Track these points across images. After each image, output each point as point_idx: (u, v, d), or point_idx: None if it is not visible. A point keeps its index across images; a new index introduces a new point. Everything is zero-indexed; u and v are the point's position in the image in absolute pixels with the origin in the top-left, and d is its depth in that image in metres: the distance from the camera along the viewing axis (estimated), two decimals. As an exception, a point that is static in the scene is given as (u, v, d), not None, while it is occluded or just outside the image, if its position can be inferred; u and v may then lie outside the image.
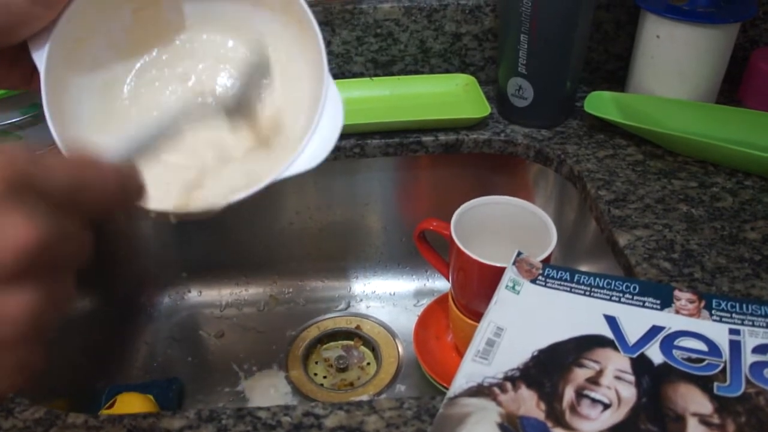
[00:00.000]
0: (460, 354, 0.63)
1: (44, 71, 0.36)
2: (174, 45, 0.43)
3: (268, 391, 0.69)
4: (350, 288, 0.80)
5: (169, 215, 0.36)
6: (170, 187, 0.38)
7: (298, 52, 0.42)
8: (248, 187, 0.36)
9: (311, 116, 0.39)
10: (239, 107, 0.40)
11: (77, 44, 0.39)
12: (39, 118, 0.62)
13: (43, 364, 0.23)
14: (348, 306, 0.78)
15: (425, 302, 0.77)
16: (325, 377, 0.70)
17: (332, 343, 0.74)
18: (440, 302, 0.68)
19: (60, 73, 0.37)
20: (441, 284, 0.80)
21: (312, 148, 0.38)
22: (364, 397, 0.68)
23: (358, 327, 0.75)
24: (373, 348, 0.73)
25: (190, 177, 0.39)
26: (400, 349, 0.73)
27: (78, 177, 0.25)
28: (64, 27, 0.37)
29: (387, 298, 0.79)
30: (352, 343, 0.74)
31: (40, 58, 0.36)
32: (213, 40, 0.44)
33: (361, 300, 0.79)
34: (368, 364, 0.72)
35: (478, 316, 0.55)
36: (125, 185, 0.27)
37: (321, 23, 0.66)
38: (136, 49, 0.42)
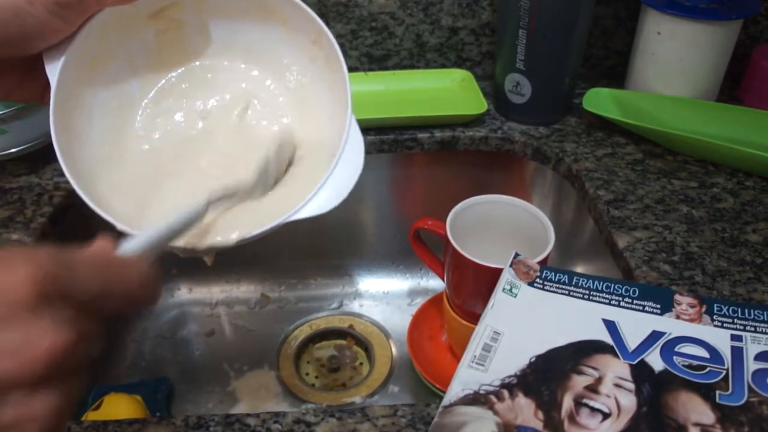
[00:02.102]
0: (454, 355, 0.62)
1: (56, 85, 0.35)
2: (195, 72, 0.42)
3: (258, 392, 0.67)
4: (343, 286, 0.79)
5: (195, 252, 0.36)
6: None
7: (323, 89, 0.41)
8: (258, 226, 0.35)
9: (330, 156, 0.37)
10: (260, 187, 0.39)
11: (94, 61, 0.37)
12: (23, 112, 0.60)
13: None
14: (341, 305, 0.77)
15: (419, 301, 0.76)
16: (316, 377, 0.69)
17: (324, 343, 0.73)
18: (434, 302, 0.67)
19: (73, 89, 0.36)
20: (435, 283, 0.78)
21: (327, 191, 0.36)
22: (357, 398, 0.67)
23: (350, 326, 0.74)
24: (366, 348, 0.72)
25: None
26: (393, 349, 0.72)
27: (105, 281, 0.26)
28: (82, 43, 0.36)
29: (380, 297, 0.78)
30: (344, 342, 0.73)
31: (54, 71, 0.35)
32: (236, 68, 0.42)
33: (354, 299, 0.78)
34: (361, 364, 0.71)
35: (472, 317, 0.54)
36: (145, 286, 0.28)
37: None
38: (156, 71, 0.41)
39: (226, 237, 0.36)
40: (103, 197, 0.36)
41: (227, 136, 0.40)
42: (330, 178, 0.36)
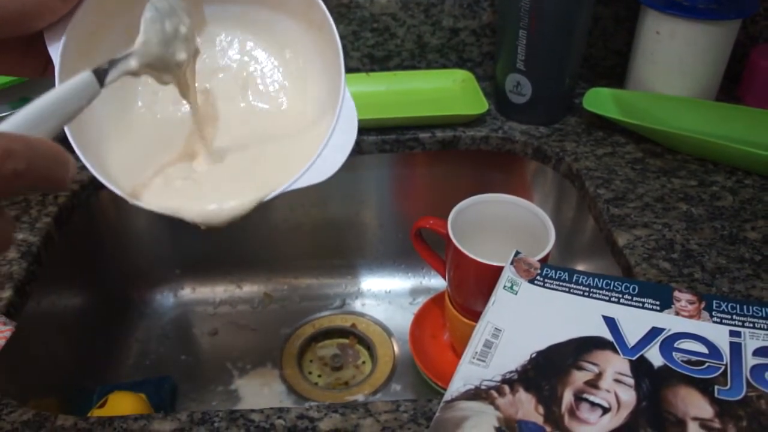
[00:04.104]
0: (456, 353, 0.63)
1: (59, 65, 0.34)
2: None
3: (262, 390, 0.68)
4: (345, 286, 0.79)
5: (212, 223, 0.36)
6: (175, 194, 0.37)
7: (317, 60, 0.41)
8: (255, 198, 0.36)
9: (325, 127, 0.38)
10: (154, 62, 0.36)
11: (93, 38, 0.37)
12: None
13: None
14: (343, 304, 0.78)
15: (421, 300, 0.77)
16: (319, 376, 0.70)
17: (327, 342, 0.74)
18: (436, 301, 0.67)
19: (76, 67, 0.36)
20: (437, 282, 0.79)
21: (322, 161, 0.37)
22: (359, 397, 0.67)
23: (353, 325, 0.75)
24: (369, 346, 0.72)
25: (193, 185, 0.38)
26: (395, 348, 0.72)
27: None
28: (81, 20, 0.35)
29: (383, 296, 0.78)
30: (347, 341, 0.74)
31: (56, 52, 0.35)
32: (231, 42, 0.43)
33: (357, 298, 0.78)
34: (363, 362, 0.71)
35: (474, 315, 0.54)
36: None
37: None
38: None
39: (243, 200, 0.36)
40: (111, 171, 0.37)
41: (226, 111, 0.41)
42: (326, 145, 0.37)
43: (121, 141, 0.39)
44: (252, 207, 0.36)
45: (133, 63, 0.34)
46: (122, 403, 0.57)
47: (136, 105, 0.41)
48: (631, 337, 0.43)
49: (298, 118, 0.42)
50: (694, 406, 0.38)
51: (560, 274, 0.47)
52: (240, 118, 0.42)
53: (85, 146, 0.36)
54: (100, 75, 0.32)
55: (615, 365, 0.41)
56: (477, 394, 0.39)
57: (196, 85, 0.42)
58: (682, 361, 0.41)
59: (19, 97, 0.63)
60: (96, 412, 0.56)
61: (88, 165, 0.35)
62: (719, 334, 0.43)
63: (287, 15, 0.41)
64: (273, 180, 0.37)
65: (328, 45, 0.39)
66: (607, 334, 0.43)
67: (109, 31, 0.39)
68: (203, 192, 0.38)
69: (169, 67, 0.36)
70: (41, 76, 0.38)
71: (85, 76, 0.31)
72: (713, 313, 0.44)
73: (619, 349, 0.42)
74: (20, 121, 0.27)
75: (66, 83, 0.30)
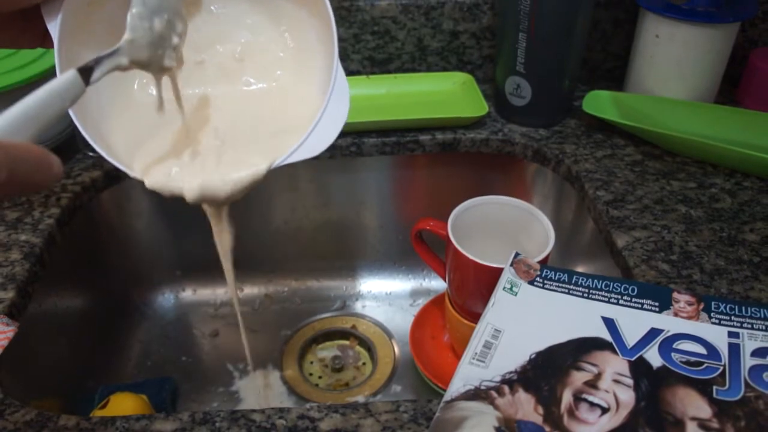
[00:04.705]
0: (456, 354, 0.63)
1: (58, 41, 0.34)
2: (192, 19, 0.42)
3: (262, 392, 0.68)
4: (346, 287, 0.79)
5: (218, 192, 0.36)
6: (167, 169, 0.38)
7: (312, 35, 0.41)
8: (251, 172, 0.36)
9: (320, 100, 0.38)
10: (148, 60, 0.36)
11: (91, 8, 0.37)
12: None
13: None
14: (344, 305, 0.78)
15: (421, 302, 0.77)
16: (320, 377, 0.70)
17: (328, 343, 0.74)
18: (436, 302, 0.67)
19: (75, 42, 0.36)
20: (437, 284, 0.79)
21: (318, 134, 0.37)
22: (360, 398, 0.67)
23: (353, 327, 0.75)
24: (369, 348, 0.73)
25: (193, 162, 0.39)
26: (395, 349, 0.72)
27: None
28: None
29: (383, 298, 0.78)
30: (347, 342, 0.74)
31: (54, 28, 0.35)
32: (227, 14, 0.43)
33: (357, 299, 0.78)
34: (364, 364, 0.72)
35: (474, 317, 0.55)
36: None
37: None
38: None
39: (255, 167, 0.36)
40: (114, 149, 0.37)
41: (223, 87, 0.41)
42: (320, 120, 0.37)
43: (122, 120, 0.39)
44: (251, 180, 0.37)
45: (119, 60, 0.33)
46: (123, 404, 0.57)
47: (134, 85, 0.41)
48: (630, 338, 0.43)
49: (294, 92, 0.42)
50: (692, 406, 0.38)
51: (560, 275, 0.47)
52: (237, 94, 0.42)
53: (86, 124, 0.35)
54: (86, 74, 0.31)
55: (614, 366, 0.41)
56: (477, 394, 0.39)
57: (193, 56, 0.42)
58: (681, 361, 0.41)
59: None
60: (97, 413, 0.56)
61: (90, 141, 0.35)
62: (718, 335, 0.43)
63: None
64: (271, 154, 0.37)
65: (322, 19, 0.39)
66: (606, 335, 0.43)
67: (107, 3, 0.38)
68: (203, 168, 0.38)
69: (156, 69, 0.36)
70: (41, 47, 0.38)
71: (69, 75, 0.30)
72: (712, 314, 0.44)
73: (618, 350, 0.42)
74: (0, 126, 0.26)
75: (50, 84, 0.29)
